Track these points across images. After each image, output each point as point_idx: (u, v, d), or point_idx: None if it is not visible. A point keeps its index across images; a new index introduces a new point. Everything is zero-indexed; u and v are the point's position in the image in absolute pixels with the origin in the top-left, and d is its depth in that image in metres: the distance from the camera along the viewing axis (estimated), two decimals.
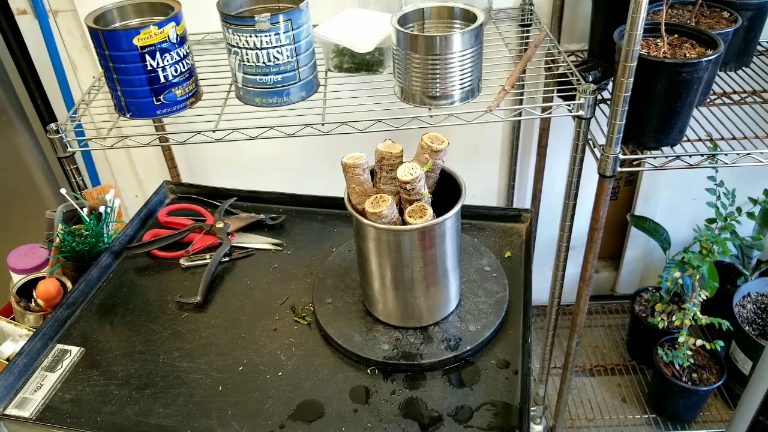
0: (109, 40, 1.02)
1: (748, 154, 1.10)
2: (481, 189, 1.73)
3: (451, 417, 0.71)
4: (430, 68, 1.02)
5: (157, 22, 1.02)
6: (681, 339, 1.49)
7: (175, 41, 1.05)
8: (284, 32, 1.03)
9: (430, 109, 1.08)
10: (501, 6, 1.41)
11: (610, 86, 1.22)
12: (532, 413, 0.75)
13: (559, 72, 1.19)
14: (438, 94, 1.06)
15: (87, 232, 0.96)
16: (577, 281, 1.30)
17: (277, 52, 1.05)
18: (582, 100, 1.07)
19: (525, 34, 1.42)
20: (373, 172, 0.77)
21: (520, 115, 1.13)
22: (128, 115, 1.10)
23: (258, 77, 1.08)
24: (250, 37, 1.03)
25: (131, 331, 0.84)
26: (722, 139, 1.17)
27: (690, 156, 1.10)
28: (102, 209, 1.00)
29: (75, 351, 0.81)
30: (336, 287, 0.87)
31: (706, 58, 1.02)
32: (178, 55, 1.07)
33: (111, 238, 0.99)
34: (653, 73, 1.04)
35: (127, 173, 1.66)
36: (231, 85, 1.17)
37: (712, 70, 1.08)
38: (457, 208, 0.73)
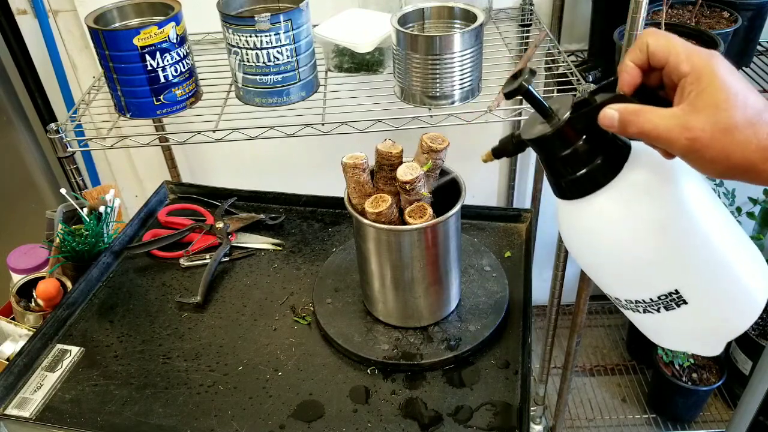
0: (109, 40, 1.02)
1: None
2: (481, 189, 1.73)
3: (451, 417, 0.71)
4: (430, 68, 1.02)
5: (157, 22, 1.02)
6: None
7: (175, 41, 1.05)
8: (284, 32, 1.03)
9: (430, 109, 1.08)
10: (501, 6, 1.41)
11: None
12: (532, 413, 0.74)
13: (559, 72, 1.19)
14: (438, 94, 1.06)
15: (87, 232, 0.96)
16: (577, 281, 1.30)
17: (277, 52, 1.05)
18: None
19: (525, 34, 1.42)
20: (373, 172, 0.77)
21: (520, 115, 1.13)
22: (128, 115, 1.10)
23: (258, 77, 1.08)
24: (250, 37, 1.03)
25: (131, 331, 0.84)
26: None
27: None
28: (102, 209, 1.00)
29: (75, 351, 0.81)
30: (336, 287, 0.87)
31: None
32: (178, 55, 1.07)
33: (111, 238, 0.99)
34: None
35: (127, 173, 1.66)
36: (231, 85, 1.17)
37: None
38: (457, 208, 0.73)
